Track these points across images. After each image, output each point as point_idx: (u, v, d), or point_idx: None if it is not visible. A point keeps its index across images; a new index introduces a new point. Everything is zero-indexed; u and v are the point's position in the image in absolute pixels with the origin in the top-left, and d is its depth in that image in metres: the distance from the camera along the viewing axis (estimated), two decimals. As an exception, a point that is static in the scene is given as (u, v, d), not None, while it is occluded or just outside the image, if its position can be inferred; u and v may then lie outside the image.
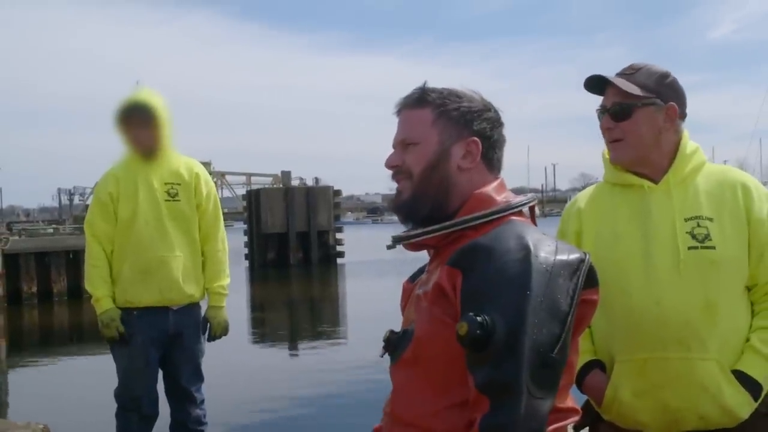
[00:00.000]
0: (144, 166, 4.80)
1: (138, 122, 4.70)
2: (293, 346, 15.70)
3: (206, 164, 24.31)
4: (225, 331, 5.01)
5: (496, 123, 1.96)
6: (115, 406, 4.85)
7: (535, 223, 1.94)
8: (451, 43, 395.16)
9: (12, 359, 15.27)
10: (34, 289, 21.67)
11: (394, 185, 1.97)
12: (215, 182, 5.84)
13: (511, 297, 1.68)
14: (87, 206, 30.97)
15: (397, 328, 1.97)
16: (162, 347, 4.82)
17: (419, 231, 1.88)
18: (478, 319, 1.66)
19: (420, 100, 1.95)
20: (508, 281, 1.69)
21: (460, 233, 1.85)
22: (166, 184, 4.82)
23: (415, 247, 1.92)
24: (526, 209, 1.94)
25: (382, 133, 1.97)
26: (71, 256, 22.72)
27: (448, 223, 1.85)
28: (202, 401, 4.96)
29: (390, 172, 1.98)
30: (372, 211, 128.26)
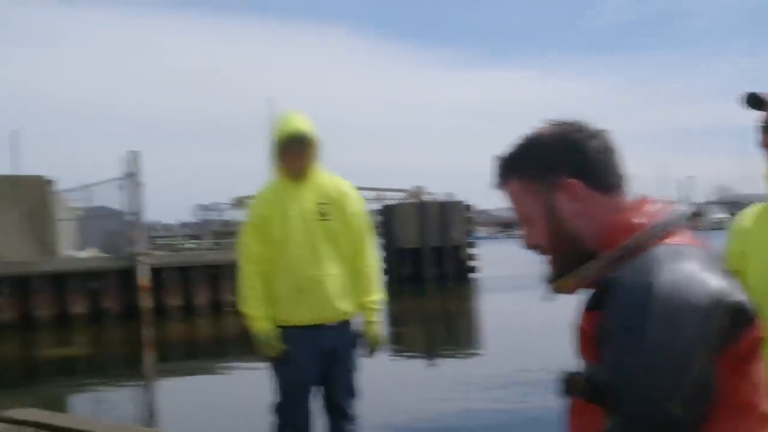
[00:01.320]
0: (294, 187, 4.94)
1: (296, 151, 4.85)
2: (430, 361, 15.71)
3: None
4: (380, 345, 5.08)
5: (584, 147, 1.76)
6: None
7: (694, 237, 1.73)
8: (578, 56, 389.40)
9: (159, 370, 15.77)
10: (178, 302, 22.32)
11: None
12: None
13: (622, 345, 1.54)
14: (224, 222, 31.95)
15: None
16: (318, 364, 4.93)
17: (568, 276, 1.75)
18: (584, 370, 1.60)
19: (502, 175, 1.85)
20: (622, 327, 1.55)
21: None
22: (316, 204, 4.93)
23: (571, 291, 1.79)
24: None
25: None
26: (212, 271, 23.28)
27: (591, 267, 1.71)
28: (356, 417, 5.05)
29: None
30: (504, 226, 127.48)
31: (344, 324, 4.97)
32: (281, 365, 4.92)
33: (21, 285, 20.46)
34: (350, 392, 5.04)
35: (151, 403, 12.99)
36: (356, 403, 5.08)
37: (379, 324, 5.07)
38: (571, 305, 1.79)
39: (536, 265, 1.88)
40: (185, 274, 22.90)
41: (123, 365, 17.18)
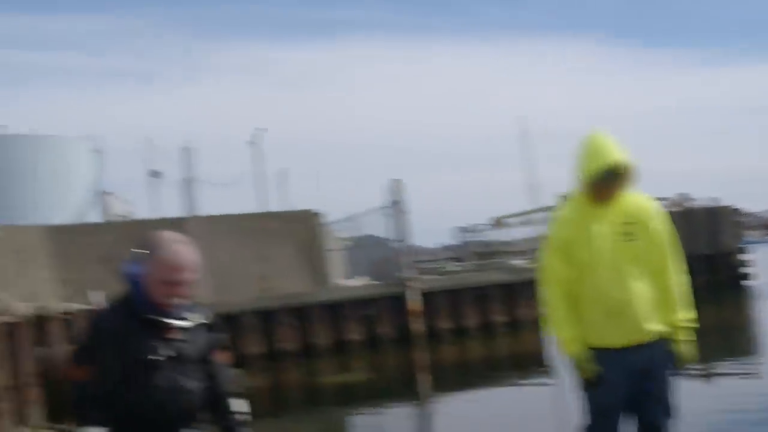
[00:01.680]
0: (597, 208, 4.89)
1: (613, 184, 4.83)
2: (708, 377, 15.15)
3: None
4: (689, 363, 4.99)
5: None
6: None
7: None
8: None
9: (434, 393, 16.12)
10: (449, 325, 22.67)
11: None
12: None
13: None
14: (484, 243, 31.95)
15: None
16: (630, 385, 4.88)
17: None
18: None
19: None
20: None
21: None
22: (620, 224, 4.86)
23: None
24: None
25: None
26: (479, 292, 23.50)
27: None
28: None
29: None
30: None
31: (656, 343, 4.88)
32: (593, 387, 4.90)
33: (299, 315, 21.50)
34: (666, 412, 4.95)
35: (427, 425, 13.31)
36: (672, 423, 5.00)
37: (688, 342, 4.96)
38: None
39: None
40: (454, 296, 23.23)
41: (399, 389, 17.67)
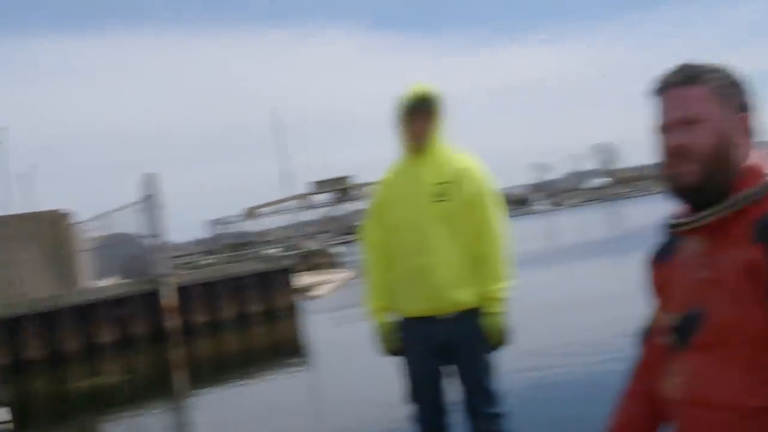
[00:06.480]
0: (414, 166, 4.61)
1: (422, 115, 4.52)
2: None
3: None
4: (503, 339, 4.64)
5: (751, 92, 1.92)
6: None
7: None
8: (582, 24, 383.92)
9: (192, 389, 15.85)
10: (205, 319, 22.30)
11: None
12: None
13: None
14: (236, 234, 31.62)
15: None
16: (435, 359, 4.63)
17: (710, 212, 1.85)
18: None
19: (692, 77, 1.90)
20: None
21: (740, 210, 1.82)
22: (434, 184, 4.52)
23: (696, 231, 1.89)
24: None
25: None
26: (234, 283, 23.28)
27: (737, 199, 1.84)
28: (497, 416, 4.63)
29: (665, 156, 1.92)
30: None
31: (462, 316, 4.51)
32: (401, 358, 4.71)
33: (48, 320, 20.52)
34: (480, 391, 4.59)
35: (185, 423, 13.08)
36: (493, 401, 4.63)
37: (502, 316, 4.58)
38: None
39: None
40: (209, 289, 22.86)
41: (154, 389, 17.26)
